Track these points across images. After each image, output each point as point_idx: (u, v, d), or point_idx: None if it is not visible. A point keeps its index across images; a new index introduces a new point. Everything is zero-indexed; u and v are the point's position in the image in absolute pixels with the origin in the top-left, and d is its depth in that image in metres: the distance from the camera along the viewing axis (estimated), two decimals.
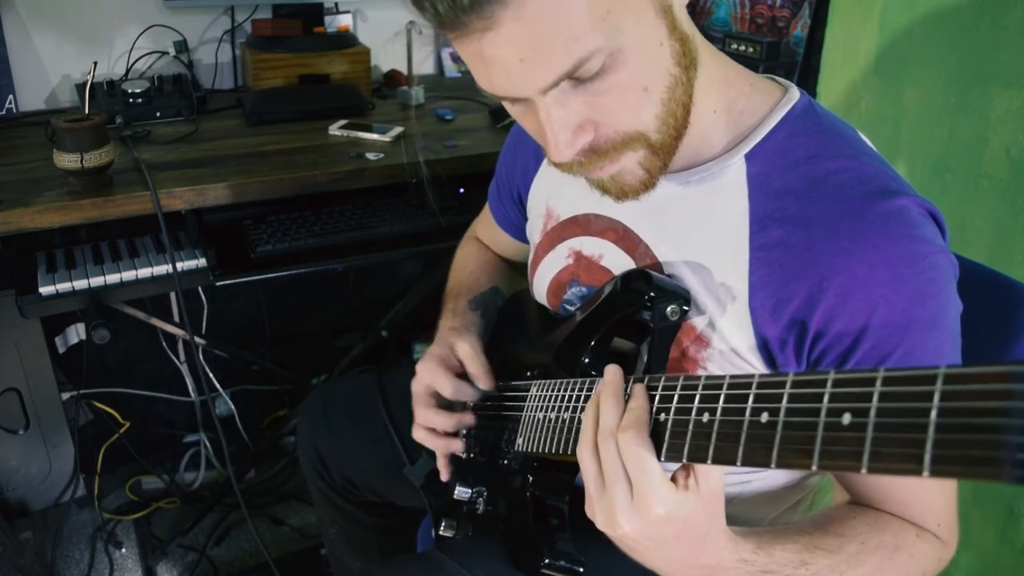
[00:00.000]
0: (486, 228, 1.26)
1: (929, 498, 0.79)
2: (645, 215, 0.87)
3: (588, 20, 0.65)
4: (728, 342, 0.81)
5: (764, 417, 0.53)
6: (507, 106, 0.77)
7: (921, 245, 0.74)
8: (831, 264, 0.74)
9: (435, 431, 1.03)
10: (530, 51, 0.66)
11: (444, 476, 1.04)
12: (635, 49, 0.68)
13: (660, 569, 0.71)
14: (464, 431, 1.03)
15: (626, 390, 0.69)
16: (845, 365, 0.75)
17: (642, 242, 0.88)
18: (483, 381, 1.01)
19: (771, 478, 0.92)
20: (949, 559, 0.80)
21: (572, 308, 0.97)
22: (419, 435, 1.04)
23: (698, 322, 0.82)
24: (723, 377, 0.59)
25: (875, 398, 0.45)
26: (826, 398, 0.48)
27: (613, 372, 0.72)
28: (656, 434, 0.64)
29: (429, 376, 1.03)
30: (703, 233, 0.82)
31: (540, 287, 1.03)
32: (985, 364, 0.39)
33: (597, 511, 0.68)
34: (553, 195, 1.01)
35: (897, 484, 0.79)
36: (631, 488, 0.65)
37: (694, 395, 0.62)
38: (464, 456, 1.05)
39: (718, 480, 0.65)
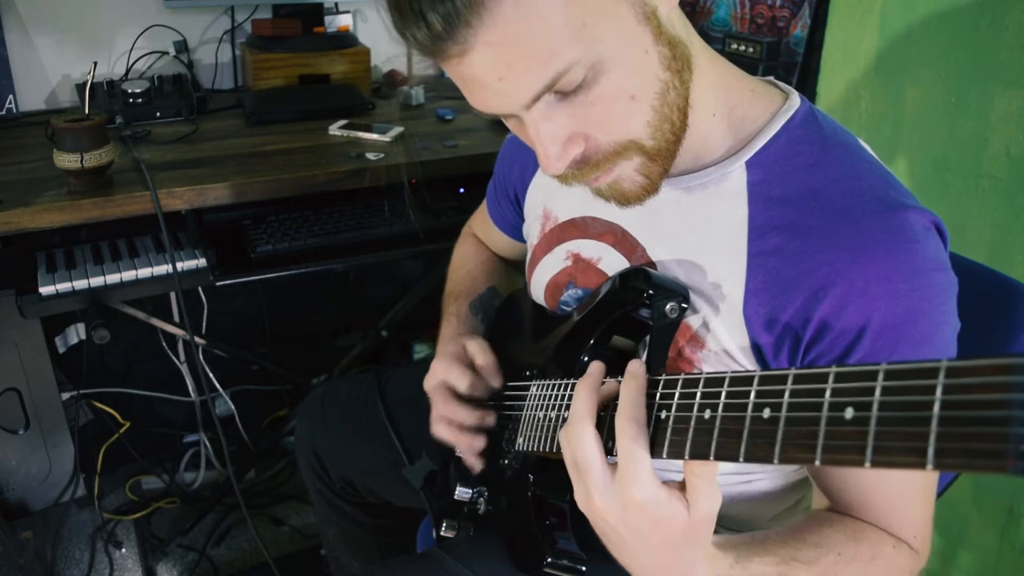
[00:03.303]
0: (482, 225, 1.27)
1: (909, 511, 0.79)
2: (643, 219, 0.87)
3: (564, 34, 0.65)
4: (722, 343, 0.81)
5: (766, 413, 0.53)
6: (503, 120, 0.78)
7: (920, 261, 0.73)
8: (828, 274, 0.74)
9: (456, 426, 1.01)
10: (507, 70, 0.67)
11: (476, 469, 1.01)
12: (617, 59, 0.68)
13: (634, 569, 0.71)
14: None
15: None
16: None
17: (640, 245, 0.88)
18: (494, 376, 1.01)
19: (772, 478, 0.92)
20: (919, 570, 0.80)
21: (569, 309, 0.97)
22: (440, 430, 1.02)
23: (693, 322, 0.82)
24: (724, 374, 0.59)
25: (877, 392, 0.45)
26: (828, 393, 0.49)
27: (594, 367, 0.75)
28: (658, 431, 0.64)
29: (445, 371, 1.02)
30: (701, 238, 0.82)
31: (537, 288, 1.03)
32: (986, 357, 0.39)
33: (576, 489, 0.70)
34: (551, 197, 1.01)
35: (878, 495, 0.78)
36: (611, 471, 0.66)
37: (695, 392, 0.62)
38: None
39: (712, 504, 0.65)
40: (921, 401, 0.42)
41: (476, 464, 1.01)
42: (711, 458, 0.58)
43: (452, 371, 1.02)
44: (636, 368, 0.68)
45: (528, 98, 0.69)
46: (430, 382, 1.04)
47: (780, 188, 0.79)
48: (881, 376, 0.45)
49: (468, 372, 1.01)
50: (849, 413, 0.46)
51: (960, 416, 0.40)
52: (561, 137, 0.72)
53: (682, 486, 0.65)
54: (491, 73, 0.67)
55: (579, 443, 0.68)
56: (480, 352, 1.02)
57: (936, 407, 0.41)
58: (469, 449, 1.01)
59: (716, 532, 0.69)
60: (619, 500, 0.65)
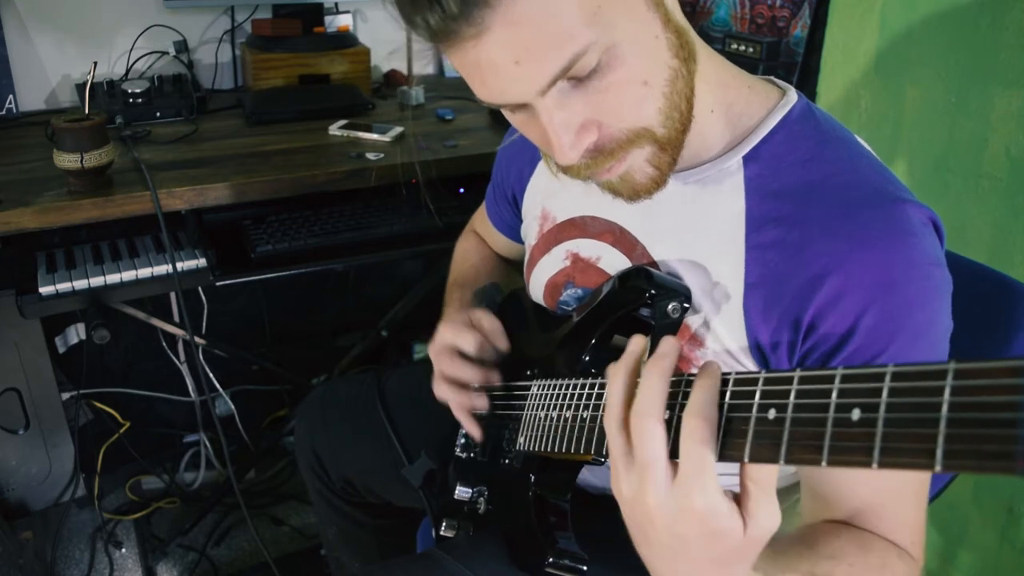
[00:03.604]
0: (482, 226, 1.27)
1: (906, 514, 0.79)
2: (642, 216, 0.87)
3: (579, 17, 0.65)
4: (722, 342, 0.81)
5: (772, 414, 0.53)
6: (508, 115, 0.77)
7: (917, 254, 0.73)
8: (825, 265, 0.74)
9: (459, 386, 1.00)
10: (524, 52, 0.66)
11: (476, 435, 1.00)
12: (630, 44, 0.68)
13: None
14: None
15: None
16: (827, 365, 0.75)
17: (639, 243, 0.88)
18: (500, 340, 1.00)
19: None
20: None
21: (569, 309, 0.97)
22: (443, 390, 1.00)
23: (693, 321, 0.82)
24: (728, 374, 0.59)
25: (885, 393, 0.45)
26: (834, 394, 0.48)
27: (670, 344, 0.64)
28: None
29: (452, 334, 1.00)
30: (699, 234, 0.82)
31: (536, 289, 1.03)
32: (995, 359, 0.39)
33: (623, 483, 0.63)
34: (549, 198, 1.00)
35: (875, 497, 0.78)
36: (673, 471, 0.60)
37: None
38: (465, 456, 1.05)
39: (770, 521, 0.60)
40: (929, 403, 0.42)
41: (476, 432, 1.00)
42: (716, 459, 0.57)
43: (460, 334, 1.00)
44: (712, 367, 0.61)
45: (545, 82, 0.68)
46: (435, 346, 1.02)
47: (777, 182, 0.79)
48: (888, 377, 0.45)
49: (476, 334, 1.00)
50: (856, 414, 0.46)
51: (969, 418, 0.40)
52: (575, 125, 0.71)
53: (738, 498, 0.60)
54: (507, 56, 0.66)
55: (647, 437, 0.60)
56: (485, 317, 1.01)
57: (944, 408, 0.41)
58: (471, 408, 0.99)
59: None
60: (676, 504, 0.59)
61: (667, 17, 0.71)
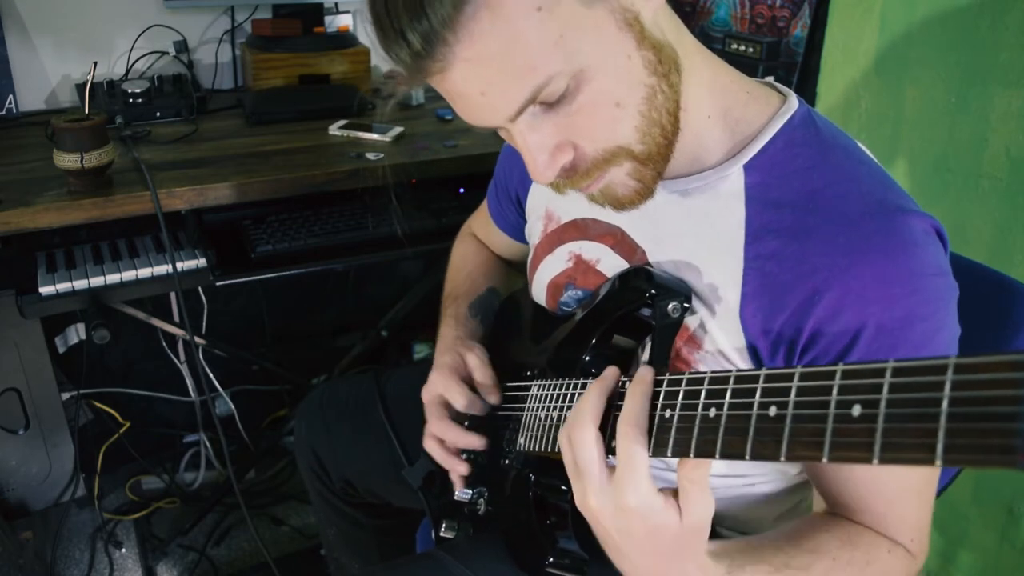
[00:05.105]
0: (482, 225, 1.27)
1: (906, 512, 0.79)
2: (642, 221, 0.87)
3: (540, 48, 0.66)
4: (718, 345, 0.81)
5: (772, 410, 0.53)
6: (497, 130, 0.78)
7: (918, 265, 0.73)
8: (825, 278, 0.74)
9: (446, 447, 1.02)
10: (487, 85, 0.68)
11: (458, 489, 1.03)
12: (599, 67, 0.69)
13: (626, 571, 0.72)
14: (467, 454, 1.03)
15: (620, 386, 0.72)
16: None
17: (639, 247, 0.88)
18: (492, 394, 1.01)
19: (773, 481, 0.92)
20: (917, 572, 0.81)
21: (569, 310, 0.97)
22: (431, 447, 1.03)
23: (691, 323, 0.82)
24: (729, 372, 0.59)
25: (885, 389, 0.45)
26: (835, 390, 0.48)
27: (610, 371, 0.74)
28: (662, 431, 0.64)
29: (443, 386, 1.02)
30: (699, 240, 0.82)
31: (538, 289, 1.03)
32: (995, 354, 0.39)
33: (575, 489, 0.71)
34: (553, 198, 1.00)
35: (875, 497, 0.78)
36: (609, 474, 0.67)
37: (700, 390, 0.62)
38: (465, 456, 1.05)
39: (704, 511, 0.65)
40: (929, 398, 0.42)
41: (459, 484, 1.02)
42: (717, 456, 0.58)
43: (450, 387, 1.02)
44: (645, 374, 0.68)
45: (512, 111, 0.69)
46: (427, 394, 1.05)
47: (778, 191, 0.79)
48: (889, 373, 0.45)
49: (465, 390, 1.01)
50: (856, 410, 0.46)
51: (969, 412, 0.40)
52: (548, 147, 0.72)
53: (676, 492, 0.66)
54: (472, 88, 0.68)
55: (581, 445, 0.68)
56: (479, 367, 1.02)
57: (945, 403, 0.41)
58: (452, 469, 1.02)
59: (717, 534, 0.69)
60: (614, 504, 0.66)
61: (642, 35, 0.71)
